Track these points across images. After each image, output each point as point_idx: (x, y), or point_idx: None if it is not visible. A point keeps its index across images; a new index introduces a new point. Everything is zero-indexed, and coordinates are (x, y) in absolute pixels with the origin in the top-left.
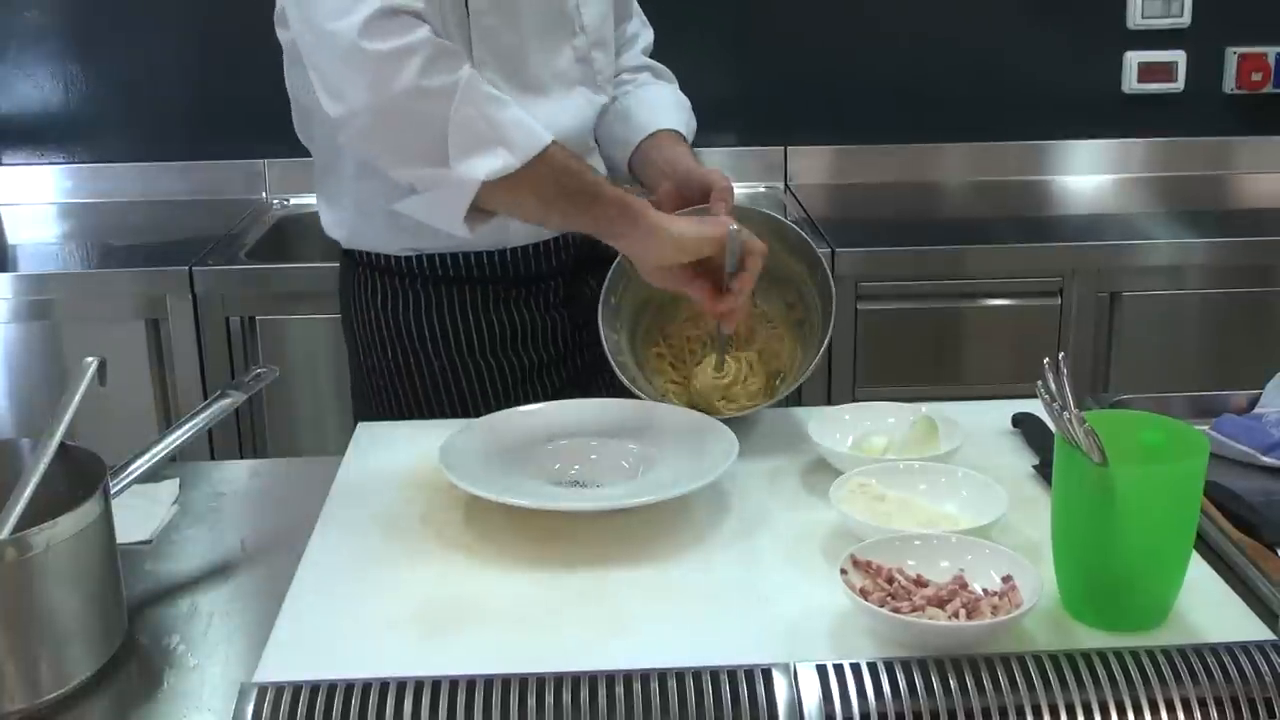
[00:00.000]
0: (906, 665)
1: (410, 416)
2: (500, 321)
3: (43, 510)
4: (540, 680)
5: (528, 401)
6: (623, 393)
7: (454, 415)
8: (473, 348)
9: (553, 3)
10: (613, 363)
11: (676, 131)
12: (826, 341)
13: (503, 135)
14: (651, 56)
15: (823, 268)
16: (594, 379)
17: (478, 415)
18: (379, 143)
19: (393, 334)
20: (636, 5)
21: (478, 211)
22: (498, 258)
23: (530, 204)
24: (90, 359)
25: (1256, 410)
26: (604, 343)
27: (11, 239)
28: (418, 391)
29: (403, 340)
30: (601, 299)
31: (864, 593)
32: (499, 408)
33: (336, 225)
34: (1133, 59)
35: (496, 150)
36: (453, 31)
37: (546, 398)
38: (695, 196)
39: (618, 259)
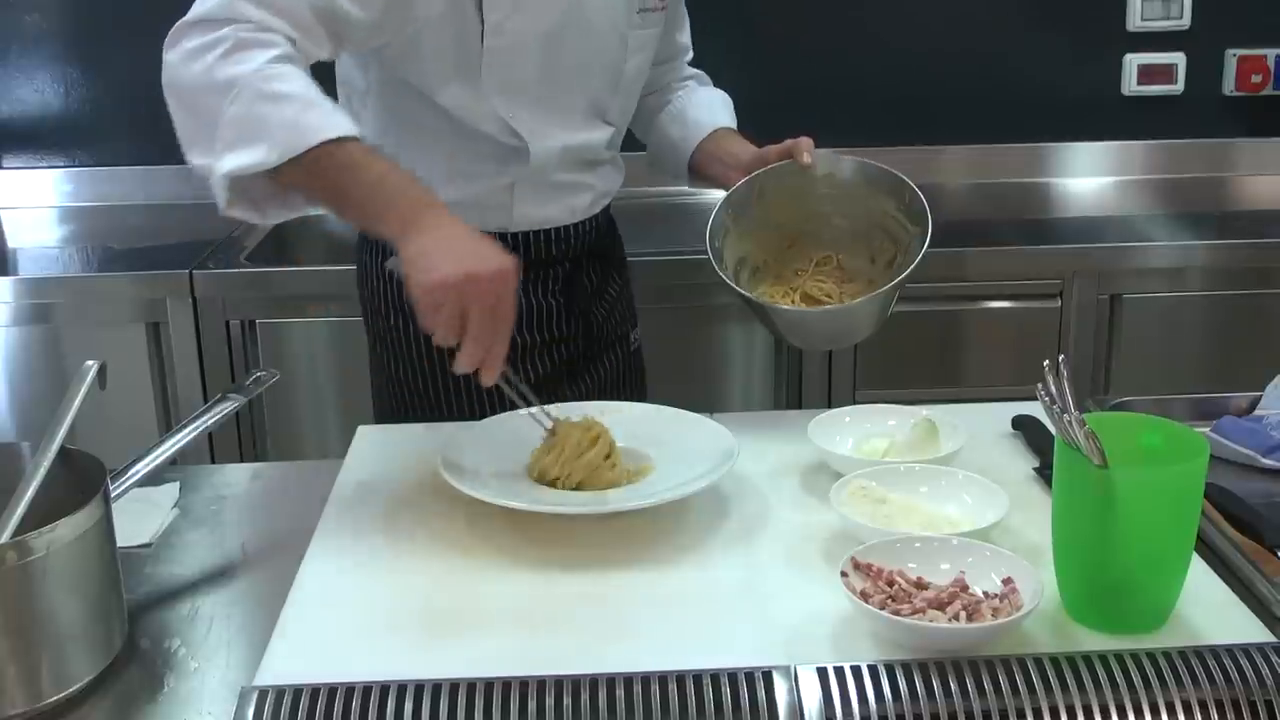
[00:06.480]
0: (907, 668)
1: (401, 383)
2: None
3: (43, 514)
4: (540, 683)
5: None
6: (612, 390)
7: (439, 386)
8: None
9: (602, 55)
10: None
11: (731, 129)
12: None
13: (266, 133)
14: None
15: (911, 190)
16: (582, 368)
17: (464, 390)
18: (178, 128)
19: (394, 299)
20: (685, 15)
21: (249, 201)
22: (496, 240)
23: (301, 198)
24: (91, 363)
25: (1257, 412)
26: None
27: (12, 243)
28: (411, 359)
29: (402, 305)
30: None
31: (865, 595)
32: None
33: None
34: (1132, 61)
35: (257, 146)
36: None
37: (532, 381)
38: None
39: (718, 207)
